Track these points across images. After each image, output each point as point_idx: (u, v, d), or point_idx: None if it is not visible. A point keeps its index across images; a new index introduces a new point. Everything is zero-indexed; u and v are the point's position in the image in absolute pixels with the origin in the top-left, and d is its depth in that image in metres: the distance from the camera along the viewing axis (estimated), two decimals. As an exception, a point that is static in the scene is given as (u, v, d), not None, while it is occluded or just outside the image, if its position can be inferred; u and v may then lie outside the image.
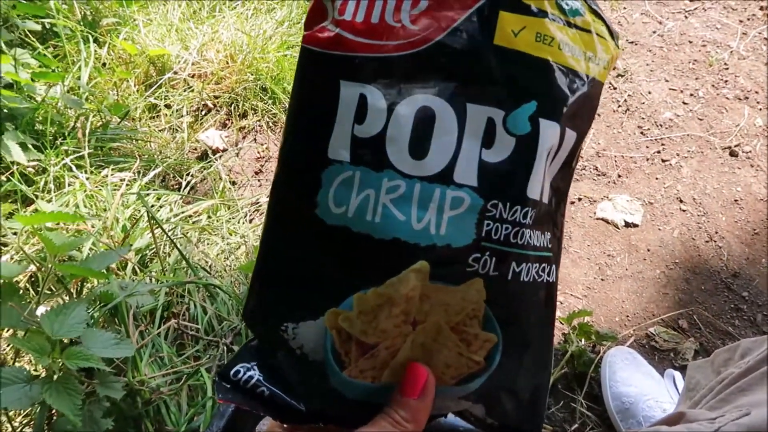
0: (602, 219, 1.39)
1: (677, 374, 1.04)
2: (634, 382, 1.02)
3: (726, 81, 1.73)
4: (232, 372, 0.41)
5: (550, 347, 0.44)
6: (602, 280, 1.27)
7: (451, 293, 0.37)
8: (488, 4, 0.38)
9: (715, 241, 1.33)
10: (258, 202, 1.41)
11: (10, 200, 1.22)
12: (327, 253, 0.39)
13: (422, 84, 0.38)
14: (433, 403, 0.37)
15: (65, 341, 0.74)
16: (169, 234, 1.16)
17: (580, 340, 1.13)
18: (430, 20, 0.38)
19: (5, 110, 1.31)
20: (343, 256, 0.38)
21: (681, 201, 1.42)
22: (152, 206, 1.27)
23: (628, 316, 1.21)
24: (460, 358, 0.38)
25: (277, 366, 0.41)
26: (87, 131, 1.36)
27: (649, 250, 1.32)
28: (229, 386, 0.40)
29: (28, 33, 1.55)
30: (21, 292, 0.87)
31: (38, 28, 1.55)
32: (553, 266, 0.42)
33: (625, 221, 1.38)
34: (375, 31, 0.38)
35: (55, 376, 0.69)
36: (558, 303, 1.22)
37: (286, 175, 0.42)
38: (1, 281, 0.79)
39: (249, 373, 0.40)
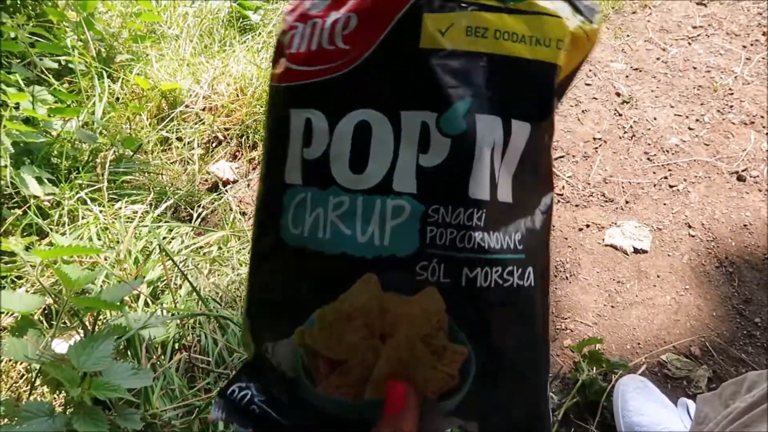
0: (611, 245, 1.39)
1: (690, 403, 1.03)
2: (647, 411, 1.00)
3: (731, 106, 1.74)
4: (228, 391, 0.42)
5: (537, 356, 0.41)
6: (612, 307, 1.27)
7: (409, 304, 0.37)
8: (410, 9, 0.38)
9: (725, 267, 1.33)
10: (268, 233, 1.43)
11: (25, 233, 1.24)
12: (292, 273, 0.40)
13: (358, 100, 0.38)
14: (420, 414, 0.37)
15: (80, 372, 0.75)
16: (181, 266, 1.17)
17: (591, 369, 1.12)
18: (360, 38, 0.39)
19: (22, 145, 1.34)
20: (304, 275, 0.40)
21: (690, 226, 1.42)
22: (164, 238, 1.29)
23: (639, 344, 1.20)
24: (435, 372, 0.37)
25: (266, 384, 0.42)
26: (107, 165, 1.39)
27: (659, 276, 1.32)
28: (225, 403, 0.42)
29: (44, 70, 1.59)
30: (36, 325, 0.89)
31: (56, 66, 1.60)
32: (529, 269, 0.39)
33: (633, 247, 1.38)
34: (314, 58, 0.40)
35: (82, 407, 0.70)
36: (568, 330, 1.22)
37: (260, 204, 0.44)
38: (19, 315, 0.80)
39: (243, 392, 0.42)
